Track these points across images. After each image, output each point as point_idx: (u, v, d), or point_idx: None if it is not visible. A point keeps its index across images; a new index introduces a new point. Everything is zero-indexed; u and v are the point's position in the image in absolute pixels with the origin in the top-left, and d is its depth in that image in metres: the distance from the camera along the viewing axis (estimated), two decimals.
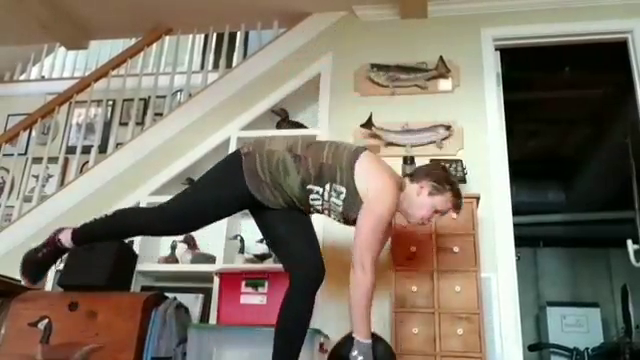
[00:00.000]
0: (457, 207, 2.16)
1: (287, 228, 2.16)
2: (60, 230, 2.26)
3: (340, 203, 2.07)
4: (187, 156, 3.60)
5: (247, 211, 3.55)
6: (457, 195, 2.14)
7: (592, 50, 3.71)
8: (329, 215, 2.16)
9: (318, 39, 3.78)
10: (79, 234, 2.23)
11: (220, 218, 2.27)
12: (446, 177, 2.16)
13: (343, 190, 2.05)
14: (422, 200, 2.12)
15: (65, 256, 3.04)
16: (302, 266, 2.07)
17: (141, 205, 3.48)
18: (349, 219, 2.09)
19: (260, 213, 2.21)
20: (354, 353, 1.96)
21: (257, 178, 2.08)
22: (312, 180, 2.06)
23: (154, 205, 2.32)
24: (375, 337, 2.06)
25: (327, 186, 2.06)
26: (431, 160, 3.09)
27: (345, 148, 2.13)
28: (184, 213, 2.16)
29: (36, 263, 2.23)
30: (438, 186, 2.11)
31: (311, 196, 2.09)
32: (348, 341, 2.02)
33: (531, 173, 5.97)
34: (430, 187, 2.11)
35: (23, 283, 2.30)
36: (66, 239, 2.22)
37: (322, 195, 2.08)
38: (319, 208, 2.13)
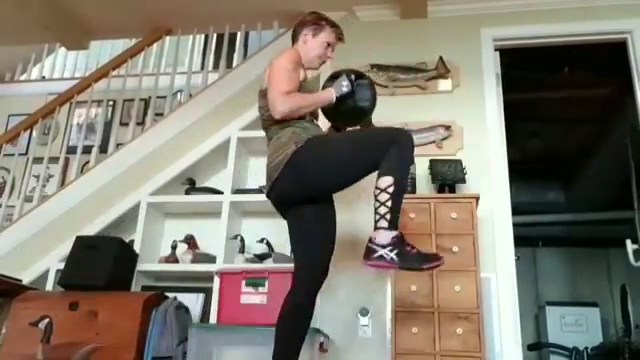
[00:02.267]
0: (340, 35, 2.40)
1: (323, 226, 2.15)
2: None
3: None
4: (187, 156, 3.60)
5: (247, 211, 3.58)
6: (335, 24, 2.39)
7: (591, 50, 3.72)
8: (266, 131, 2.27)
9: None
10: None
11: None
12: (317, 16, 2.39)
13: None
14: (311, 44, 2.35)
15: (65, 256, 3.08)
16: (313, 267, 2.07)
17: (142, 205, 3.49)
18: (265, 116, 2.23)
19: (291, 210, 2.18)
20: (343, 82, 2.22)
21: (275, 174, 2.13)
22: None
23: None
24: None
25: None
26: (431, 161, 3.11)
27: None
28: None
29: None
30: (316, 26, 2.36)
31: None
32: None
33: (530, 173, 5.98)
34: (310, 30, 2.35)
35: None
36: None
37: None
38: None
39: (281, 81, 2.11)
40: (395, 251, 1.92)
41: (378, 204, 1.96)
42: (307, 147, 2.06)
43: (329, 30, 2.37)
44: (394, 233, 1.94)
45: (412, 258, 1.94)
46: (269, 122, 2.20)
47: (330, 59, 2.43)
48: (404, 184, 2.00)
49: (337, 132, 2.42)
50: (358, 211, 2.87)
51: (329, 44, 2.36)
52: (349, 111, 2.28)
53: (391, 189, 1.94)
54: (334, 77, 2.31)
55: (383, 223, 1.94)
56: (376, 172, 2.00)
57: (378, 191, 1.96)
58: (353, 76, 2.27)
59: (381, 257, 1.93)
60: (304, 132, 2.12)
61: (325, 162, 2.06)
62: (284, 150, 2.07)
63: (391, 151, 1.97)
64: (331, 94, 2.22)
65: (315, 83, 2.79)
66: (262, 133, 3.46)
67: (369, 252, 1.95)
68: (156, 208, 3.60)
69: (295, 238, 2.16)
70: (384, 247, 1.93)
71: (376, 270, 2.13)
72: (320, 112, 2.34)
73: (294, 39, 2.41)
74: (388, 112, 3.41)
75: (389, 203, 1.94)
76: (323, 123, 2.35)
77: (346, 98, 2.23)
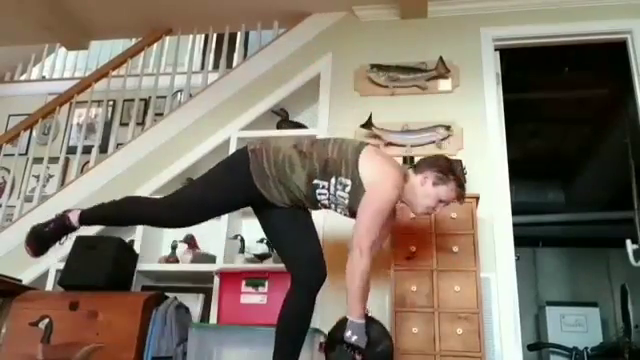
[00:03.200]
0: (461, 197, 2.20)
1: (290, 228, 2.19)
2: (68, 210, 2.31)
3: (346, 196, 2.08)
4: (187, 156, 3.60)
5: (247, 211, 3.57)
6: (461, 185, 2.18)
7: (591, 50, 3.72)
8: (335, 209, 2.18)
9: (318, 39, 3.79)
10: (87, 215, 2.28)
11: (225, 212, 2.32)
12: (449, 167, 2.19)
13: (348, 183, 2.07)
14: (426, 190, 2.14)
15: (65, 256, 3.08)
16: (304, 266, 2.09)
17: None
18: (355, 211, 2.10)
19: (264, 212, 2.23)
20: (348, 333, 1.98)
21: (264, 174, 2.10)
22: (318, 175, 2.09)
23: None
24: (369, 319, 2.08)
25: (333, 180, 2.08)
26: None
27: (349, 142, 2.17)
28: (189, 205, 2.19)
29: (42, 237, 2.28)
30: (442, 176, 2.14)
31: (317, 191, 2.11)
32: (342, 323, 2.03)
33: (531, 173, 5.97)
34: (434, 177, 2.14)
35: (27, 254, 2.32)
36: (74, 218, 2.27)
37: (328, 189, 2.10)
38: (325, 203, 2.15)
39: (372, 227, 1.99)
40: None
41: None
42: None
43: (453, 187, 2.15)
44: None
45: None
46: (318, 172, 2.10)
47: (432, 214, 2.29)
48: None
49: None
50: None
51: (442, 200, 2.16)
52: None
53: None
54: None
55: None
56: None
57: None
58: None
59: None
60: (285, 184, 2.10)
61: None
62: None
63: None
64: (362, 320, 2.01)
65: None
66: (262, 133, 3.52)
67: None
68: None
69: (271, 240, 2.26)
70: None
71: None
72: (319, 204, 2.21)
73: (416, 168, 2.23)
74: (388, 112, 3.43)
75: None
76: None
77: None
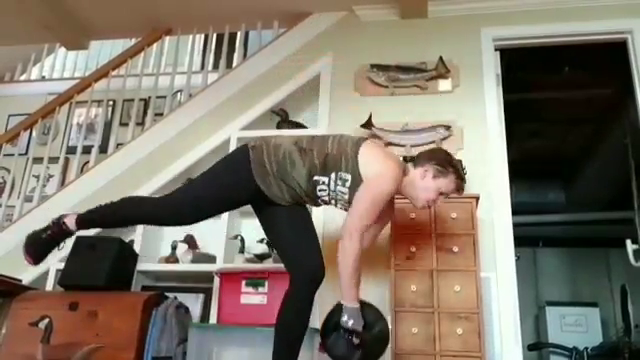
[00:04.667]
0: (460, 189, 2.22)
1: (290, 227, 2.18)
2: (64, 215, 2.29)
3: (346, 191, 2.09)
4: (187, 156, 3.60)
5: (247, 211, 3.56)
6: (460, 177, 2.20)
7: (592, 50, 3.71)
8: (336, 205, 2.19)
9: (318, 39, 3.79)
10: (83, 218, 2.27)
11: (225, 210, 2.31)
12: (449, 160, 2.21)
13: (348, 177, 2.07)
14: (426, 183, 2.16)
15: (65, 256, 3.08)
16: (303, 266, 2.09)
17: None
18: None
19: (263, 210, 2.23)
20: (344, 318, 2.00)
21: (264, 170, 2.10)
22: (318, 170, 2.09)
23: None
24: (363, 302, 2.10)
25: (333, 175, 2.09)
26: None
27: (349, 137, 2.18)
28: (189, 203, 2.19)
29: (40, 243, 2.26)
30: (441, 169, 2.16)
31: (318, 187, 2.11)
32: (337, 309, 2.06)
33: (531, 173, 5.98)
34: (434, 170, 2.15)
35: (27, 264, 2.30)
36: (70, 223, 2.25)
37: (328, 185, 2.10)
38: (326, 199, 2.16)
39: (368, 211, 2.01)
40: None
41: None
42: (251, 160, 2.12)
43: (452, 180, 2.17)
44: None
45: None
46: (318, 168, 2.10)
47: (436, 205, 2.29)
48: None
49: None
50: None
51: (442, 193, 2.18)
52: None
53: None
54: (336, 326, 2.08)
55: None
56: None
57: None
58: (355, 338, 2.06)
59: None
60: (286, 180, 2.10)
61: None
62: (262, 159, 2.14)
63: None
64: (356, 304, 2.04)
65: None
66: (262, 133, 3.51)
67: None
68: None
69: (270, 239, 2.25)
70: None
71: None
72: (319, 201, 2.21)
73: (415, 161, 2.24)
74: (388, 112, 3.43)
75: None
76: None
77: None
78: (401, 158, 3.03)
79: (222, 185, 2.16)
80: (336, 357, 2.09)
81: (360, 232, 1.99)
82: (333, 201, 2.16)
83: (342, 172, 2.07)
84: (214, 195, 2.18)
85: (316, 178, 2.10)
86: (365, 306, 2.10)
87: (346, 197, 2.10)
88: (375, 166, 2.06)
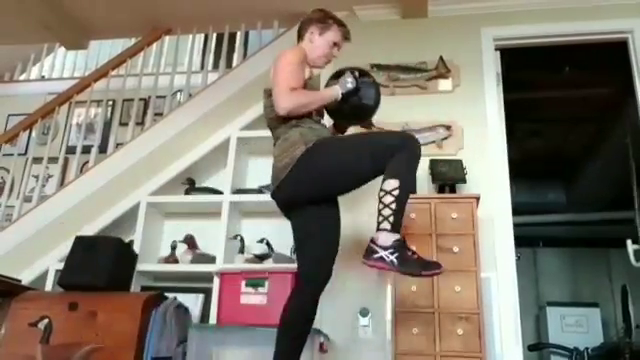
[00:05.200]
0: (347, 34, 2.38)
1: (326, 228, 2.13)
2: None
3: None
4: (187, 156, 3.60)
5: (247, 211, 3.57)
6: (342, 23, 2.37)
7: (592, 50, 3.71)
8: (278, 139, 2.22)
9: None
10: None
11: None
12: (324, 14, 2.36)
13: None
14: (317, 42, 2.32)
15: (65, 256, 3.08)
16: (318, 269, 2.06)
17: (141, 205, 3.48)
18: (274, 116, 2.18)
19: (306, 208, 2.15)
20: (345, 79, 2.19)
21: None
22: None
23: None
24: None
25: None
26: (431, 161, 3.10)
27: None
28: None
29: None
30: (323, 24, 2.33)
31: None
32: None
33: (531, 173, 5.98)
34: (317, 28, 2.33)
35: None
36: None
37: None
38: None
39: (286, 77, 2.09)
40: (396, 254, 1.92)
41: (382, 206, 1.95)
42: (315, 149, 2.05)
43: (336, 29, 2.34)
44: (396, 236, 1.93)
45: (412, 263, 1.93)
46: (276, 122, 2.18)
47: (335, 58, 2.41)
48: (409, 189, 1.99)
49: (339, 132, 2.40)
50: (360, 211, 2.86)
51: (335, 43, 2.34)
52: (353, 109, 2.25)
53: (396, 192, 1.93)
54: (338, 75, 2.28)
55: (386, 225, 1.94)
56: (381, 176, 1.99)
57: (383, 193, 1.96)
58: (357, 73, 2.25)
59: (381, 258, 1.93)
60: (312, 132, 2.10)
61: (333, 165, 2.05)
62: (293, 151, 2.06)
63: (399, 156, 1.97)
64: (336, 91, 2.19)
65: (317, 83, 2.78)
66: (262, 133, 3.50)
67: (370, 252, 1.95)
68: (156, 208, 3.59)
69: (298, 239, 2.15)
70: (385, 249, 1.92)
71: (376, 270, 2.13)
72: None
73: (300, 37, 2.39)
74: (388, 112, 3.41)
75: (393, 206, 1.93)
76: (327, 121, 2.34)
77: (351, 95, 2.20)
78: None
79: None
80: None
81: (289, 90, 2.06)
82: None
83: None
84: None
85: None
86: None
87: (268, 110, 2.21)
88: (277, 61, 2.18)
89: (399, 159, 1.96)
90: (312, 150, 2.04)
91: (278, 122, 2.16)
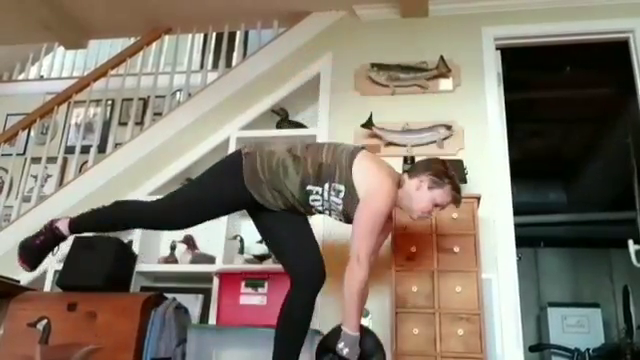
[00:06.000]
0: (456, 201, 2.15)
1: (287, 230, 2.16)
2: (56, 220, 2.28)
3: (340, 202, 2.06)
4: (187, 156, 3.59)
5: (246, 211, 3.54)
6: (456, 188, 2.14)
7: (593, 50, 3.70)
8: (330, 215, 2.16)
9: (318, 39, 3.77)
10: (76, 223, 2.27)
11: (218, 216, 2.28)
12: (445, 171, 2.15)
13: (342, 188, 2.05)
14: (422, 194, 2.11)
15: (64, 256, 3.06)
16: (303, 269, 2.07)
17: None
18: (350, 217, 2.08)
19: (259, 215, 2.21)
20: (340, 345, 1.96)
21: (257, 178, 2.08)
22: (311, 180, 2.07)
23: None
24: (364, 330, 2.06)
25: (326, 185, 2.06)
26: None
27: (344, 148, 2.14)
28: (182, 209, 2.18)
29: (34, 249, 2.27)
30: (437, 180, 2.11)
31: (311, 197, 2.09)
32: (336, 332, 2.01)
33: (532, 173, 5.96)
34: (429, 181, 2.11)
35: (22, 269, 2.33)
36: (64, 227, 2.25)
37: (322, 195, 2.08)
38: (320, 209, 2.13)
39: (370, 232, 1.97)
40: None
41: None
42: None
43: (448, 192, 2.12)
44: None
45: None
46: (312, 177, 2.08)
47: (430, 217, 2.28)
48: None
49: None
50: None
51: (438, 204, 2.14)
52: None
53: None
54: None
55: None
56: None
57: None
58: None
59: None
60: (277, 180, 2.08)
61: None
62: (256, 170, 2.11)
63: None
64: (356, 332, 1.98)
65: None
66: (262, 133, 3.51)
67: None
68: None
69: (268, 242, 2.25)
70: None
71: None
72: (313, 210, 2.19)
73: (409, 171, 2.21)
74: (389, 112, 3.41)
75: None
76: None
77: None
78: (402, 158, 3.03)
79: (216, 191, 2.15)
80: None
81: (367, 255, 1.96)
82: (327, 211, 2.14)
83: (336, 183, 2.05)
84: (208, 200, 2.16)
85: (309, 188, 2.07)
86: (366, 333, 2.06)
87: (340, 208, 2.08)
88: (369, 179, 2.03)
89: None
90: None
91: (312, 177, 2.08)
